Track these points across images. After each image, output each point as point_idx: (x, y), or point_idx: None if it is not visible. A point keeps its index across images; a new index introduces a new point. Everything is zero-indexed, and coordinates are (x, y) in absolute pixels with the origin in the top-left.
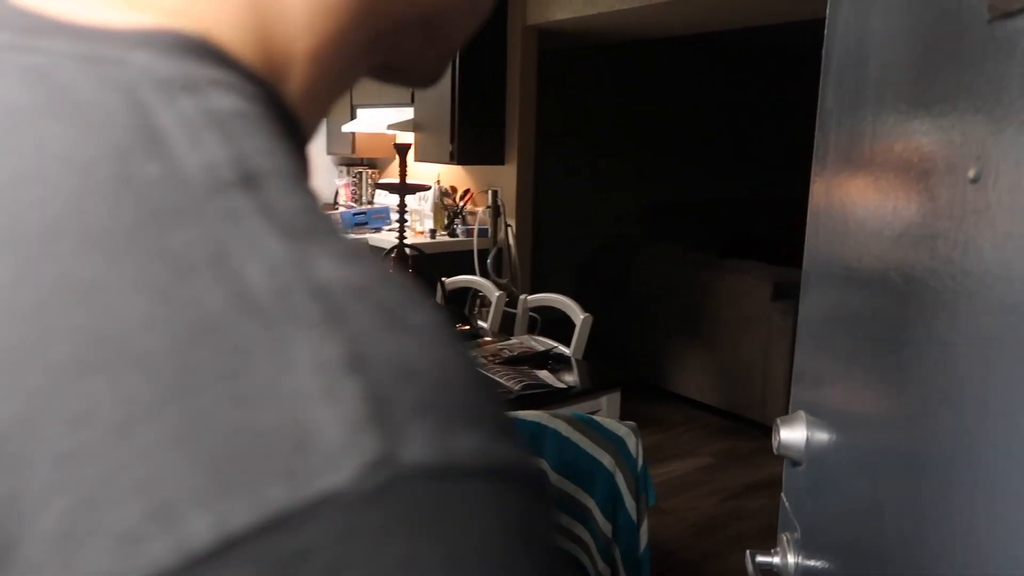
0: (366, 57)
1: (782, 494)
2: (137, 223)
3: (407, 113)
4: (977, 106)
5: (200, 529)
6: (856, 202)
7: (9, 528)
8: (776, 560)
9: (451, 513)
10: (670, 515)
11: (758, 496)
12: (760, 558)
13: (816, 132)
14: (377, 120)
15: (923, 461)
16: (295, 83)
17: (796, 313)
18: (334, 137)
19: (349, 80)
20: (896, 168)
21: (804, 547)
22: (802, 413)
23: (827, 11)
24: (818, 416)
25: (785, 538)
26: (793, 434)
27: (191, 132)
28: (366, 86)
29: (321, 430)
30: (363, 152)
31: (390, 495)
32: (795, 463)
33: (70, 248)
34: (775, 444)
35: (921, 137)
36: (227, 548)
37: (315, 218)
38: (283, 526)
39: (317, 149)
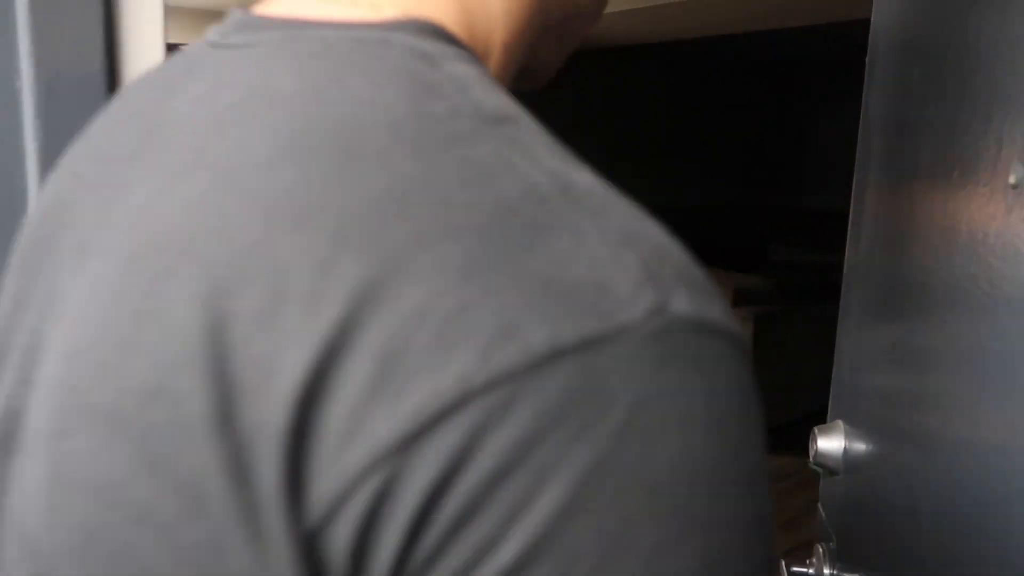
0: (527, 52)
1: (819, 504)
2: (443, 141)
3: None
4: (1019, 110)
5: (538, 341)
6: (898, 209)
7: (395, 342)
8: (811, 571)
9: (707, 358)
10: None
11: None
12: (795, 568)
13: (859, 139)
14: None
15: (964, 472)
16: (491, 68)
17: (756, 320)
18: None
19: (514, 73)
20: (938, 173)
21: (840, 558)
22: (840, 423)
23: (872, 17)
24: (856, 426)
25: (820, 549)
26: (831, 443)
27: (458, 86)
28: None
29: (615, 282)
30: None
31: (665, 334)
32: (832, 472)
33: (400, 157)
34: (811, 453)
35: (963, 142)
36: (557, 356)
37: (561, 148)
38: (596, 345)
39: None
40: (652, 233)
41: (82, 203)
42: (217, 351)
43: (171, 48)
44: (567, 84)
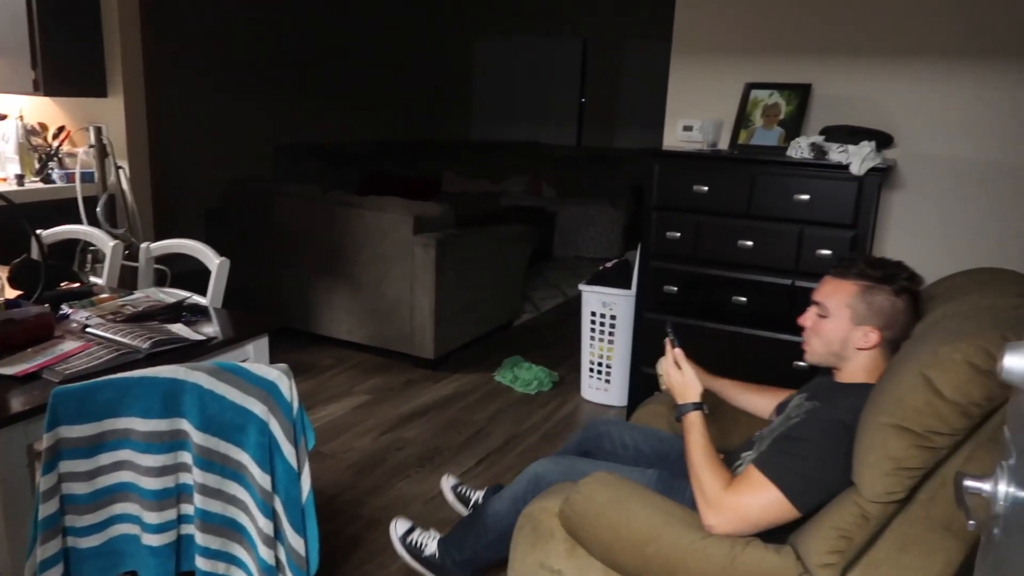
0: None
1: (1004, 427)
2: None
3: None
4: None
5: None
6: None
7: None
8: (986, 486)
9: None
10: (330, 458)
11: (413, 425)
12: (969, 482)
13: None
14: None
15: None
16: None
17: (437, 244)
18: None
19: None
20: None
21: (1016, 476)
22: None
23: None
24: None
25: (1000, 465)
26: (1020, 362)
27: None
28: None
29: None
30: None
31: None
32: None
33: None
34: (999, 368)
35: None
36: None
37: None
38: None
39: None
40: None
41: None
42: None
43: None
44: (235, 7)
